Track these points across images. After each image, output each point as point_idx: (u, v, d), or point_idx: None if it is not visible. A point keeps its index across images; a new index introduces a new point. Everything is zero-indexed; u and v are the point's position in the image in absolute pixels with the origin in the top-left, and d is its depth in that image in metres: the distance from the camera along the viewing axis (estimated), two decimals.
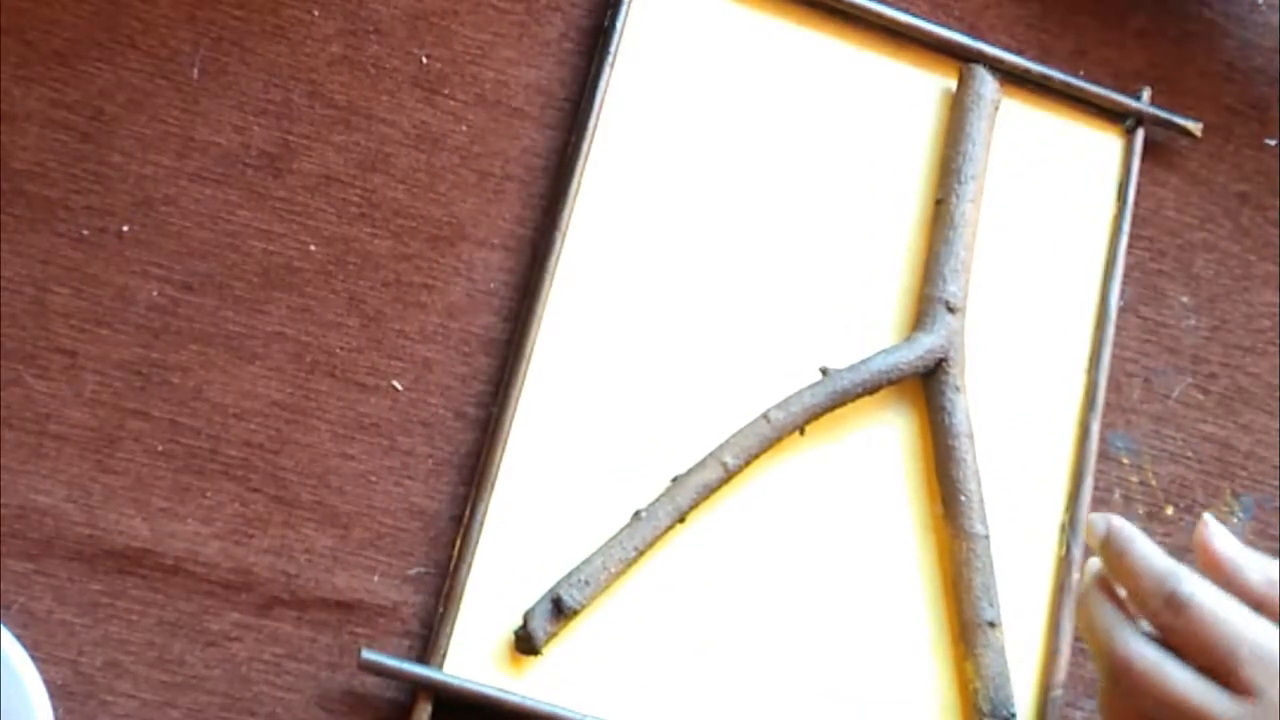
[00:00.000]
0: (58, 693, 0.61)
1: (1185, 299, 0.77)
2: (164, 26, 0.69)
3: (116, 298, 0.66)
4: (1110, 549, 0.56)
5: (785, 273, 0.73)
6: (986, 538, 0.69)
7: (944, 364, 0.71)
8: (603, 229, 0.71)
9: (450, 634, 0.64)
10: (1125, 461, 0.73)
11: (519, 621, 0.65)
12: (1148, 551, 0.55)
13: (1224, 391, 0.75)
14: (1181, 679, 0.53)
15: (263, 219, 0.68)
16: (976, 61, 0.76)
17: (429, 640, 0.64)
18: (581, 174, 0.71)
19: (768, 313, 0.72)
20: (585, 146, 0.71)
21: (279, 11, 0.71)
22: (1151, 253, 0.77)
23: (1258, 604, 0.54)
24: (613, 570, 0.65)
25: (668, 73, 0.74)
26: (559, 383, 0.69)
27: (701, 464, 0.68)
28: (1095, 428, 0.73)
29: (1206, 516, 0.57)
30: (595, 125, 0.71)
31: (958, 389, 0.71)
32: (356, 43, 0.71)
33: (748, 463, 0.68)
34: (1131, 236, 0.76)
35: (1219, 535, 0.56)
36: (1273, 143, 0.80)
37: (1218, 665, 0.52)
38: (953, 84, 0.76)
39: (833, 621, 0.69)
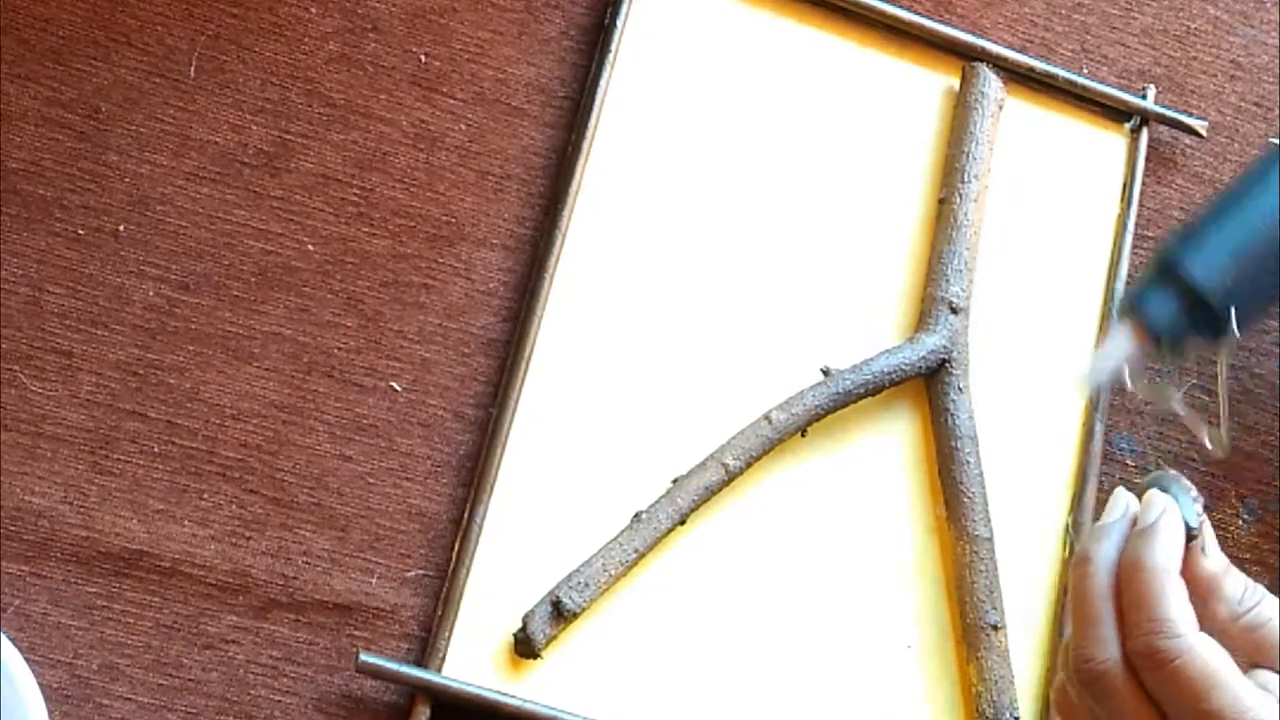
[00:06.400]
0: (54, 696, 0.61)
1: None
2: (161, 24, 0.69)
3: (113, 298, 0.66)
4: (1129, 554, 0.53)
5: (787, 272, 0.72)
6: (990, 540, 0.69)
7: (947, 365, 0.71)
8: (603, 228, 0.71)
9: (449, 637, 0.64)
10: (1130, 464, 0.73)
11: (518, 624, 0.64)
12: (1155, 586, 0.51)
13: (1229, 393, 0.75)
14: (1146, 716, 0.51)
15: (260, 218, 0.68)
16: (980, 60, 0.75)
17: (427, 643, 0.64)
18: (582, 173, 0.70)
19: (769, 313, 0.71)
20: (585, 145, 0.70)
21: (276, 9, 0.70)
22: None
23: (1220, 634, 0.52)
24: (613, 573, 0.65)
25: (669, 71, 0.74)
26: (559, 383, 0.68)
27: (702, 465, 0.67)
28: (1099, 429, 0.72)
29: (1206, 529, 0.54)
30: (595, 124, 0.71)
31: (961, 390, 0.70)
32: (355, 41, 0.71)
33: (749, 464, 0.68)
34: (1136, 236, 0.76)
35: (1213, 551, 0.54)
36: (1277, 141, 0.80)
37: None
38: (956, 83, 0.76)
39: (834, 624, 0.68)
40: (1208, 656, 0.50)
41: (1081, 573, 0.53)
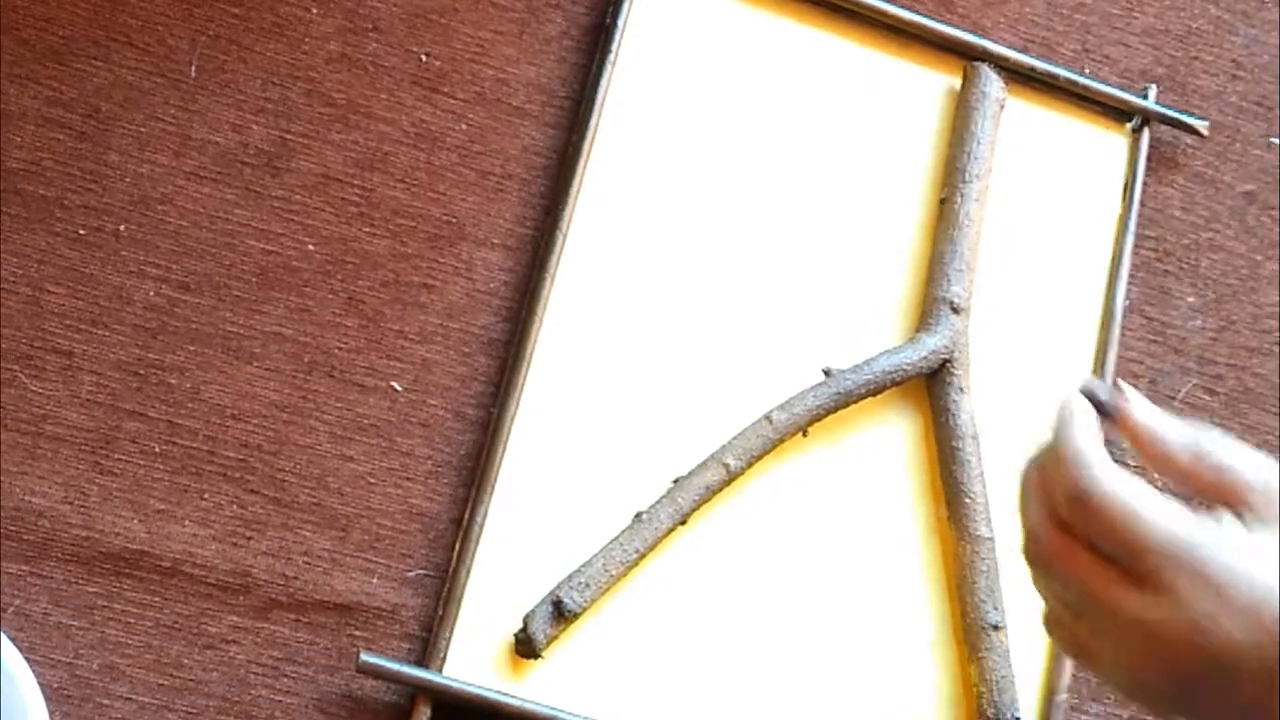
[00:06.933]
0: (54, 696, 0.61)
1: (1191, 299, 0.76)
2: (161, 24, 0.69)
3: (113, 298, 0.65)
4: (1054, 424, 0.52)
5: (788, 273, 0.72)
6: (991, 540, 0.69)
7: (948, 365, 0.70)
8: (604, 228, 0.71)
9: (450, 637, 0.64)
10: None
11: (519, 624, 0.64)
12: (1071, 435, 0.51)
13: (1230, 392, 0.75)
14: (1086, 563, 0.50)
15: (261, 218, 0.68)
16: (981, 60, 0.75)
17: (428, 643, 0.64)
18: (582, 173, 0.70)
19: (770, 313, 0.71)
20: (586, 145, 0.70)
21: (277, 9, 0.70)
22: (1157, 253, 0.77)
23: (1182, 477, 0.51)
24: (613, 573, 0.65)
25: (669, 70, 0.73)
26: (560, 383, 0.68)
27: (703, 465, 0.67)
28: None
29: (1124, 386, 0.53)
30: (596, 123, 0.71)
31: (962, 390, 0.70)
32: (355, 40, 0.71)
33: (750, 464, 0.68)
34: (1137, 236, 0.76)
35: (1139, 405, 0.53)
36: (1278, 141, 0.80)
37: (1125, 560, 0.49)
38: (957, 82, 0.76)
39: (835, 625, 0.68)
40: (1119, 485, 0.49)
41: (1019, 487, 0.53)
